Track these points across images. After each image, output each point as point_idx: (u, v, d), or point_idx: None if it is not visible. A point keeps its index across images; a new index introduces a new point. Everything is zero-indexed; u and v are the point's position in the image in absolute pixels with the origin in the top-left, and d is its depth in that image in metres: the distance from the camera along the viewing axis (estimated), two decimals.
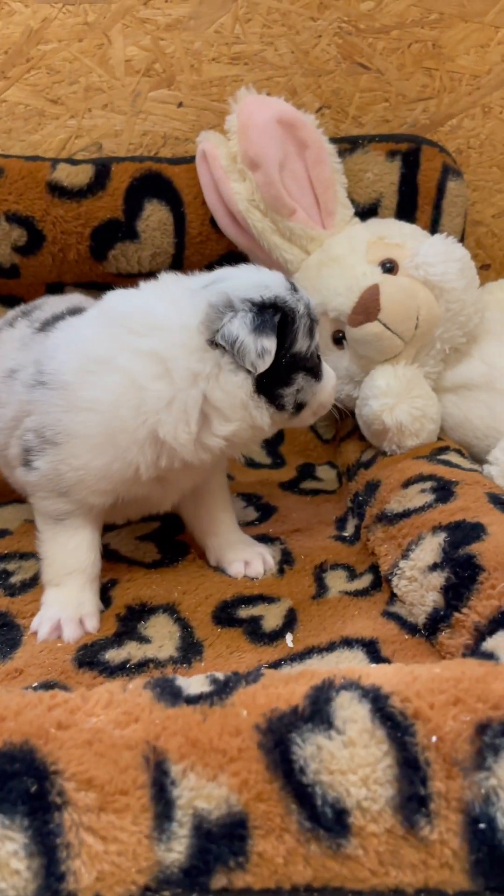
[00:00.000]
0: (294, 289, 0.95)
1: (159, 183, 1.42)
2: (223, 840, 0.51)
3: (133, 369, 0.90)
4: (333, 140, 1.40)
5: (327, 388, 1.02)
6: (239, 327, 0.87)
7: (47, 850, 0.50)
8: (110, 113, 1.49)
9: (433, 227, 1.45)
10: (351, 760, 0.52)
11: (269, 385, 0.92)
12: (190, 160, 1.43)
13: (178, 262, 1.46)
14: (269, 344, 0.88)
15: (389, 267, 1.29)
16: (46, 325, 1.07)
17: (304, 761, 0.53)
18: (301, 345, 0.94)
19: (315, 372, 0.98)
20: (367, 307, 1.22)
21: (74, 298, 1.23)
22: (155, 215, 1.41)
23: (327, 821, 0.50)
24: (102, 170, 1.40)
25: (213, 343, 0.89)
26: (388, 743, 0.53)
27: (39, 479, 0.94)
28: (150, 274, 1.44)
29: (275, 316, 0.90)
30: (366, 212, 1.44)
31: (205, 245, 1.46)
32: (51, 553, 0.97)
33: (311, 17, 1.44)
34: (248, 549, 1.07)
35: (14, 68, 1.45)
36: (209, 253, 1.47)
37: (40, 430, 0.93)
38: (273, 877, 0.50)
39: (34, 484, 0.96)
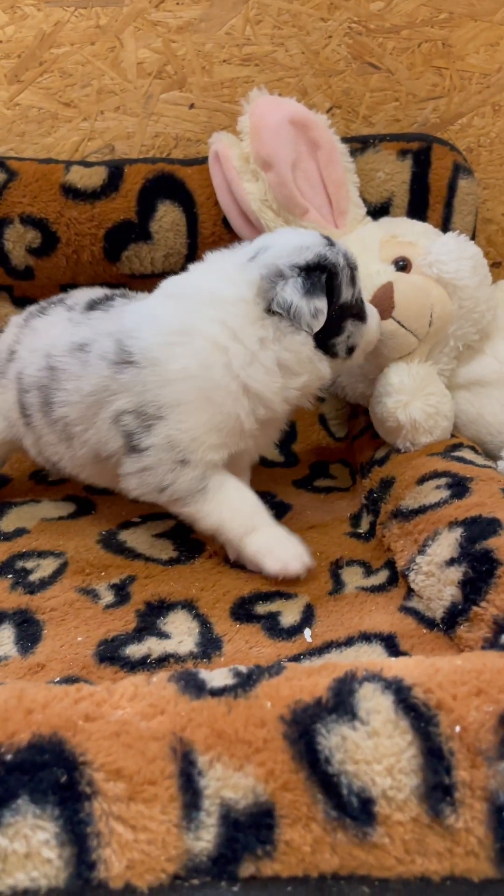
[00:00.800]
0: (331, 243, 1.03)
1: (172, 184, 1.43)
2: (251, 829, 0.51)
3: (214, 333, 0.99)
4: (345, 140, 1.40)
5: (373, 326, 1.11)
6: (291, 293, 0.97)
7: (78, 839, 0.51)
8: (122, 115, 1.50)
9: (444, 226, 1.46)
10: (375, 750, 0.53)
11: (325, 337, 1.02)
12: (202, 161, 1.44)
13: (192, 262, 1.46)
14: (321, 304, 0.99)
15: (402, 265, 1.30)
16: (93, 305, 1.15)
17: (329, 751, 0.54)
18: (346, 294, 1.03)
19: (361, 315, 1.08)
20: (382, 305, 1.22)
21: (97, 290, 1.26)
22: (168, 216, 1.42)
23: (353, 809, 0.51)
24: (115, 171, 1.41)
25: (271, 311, 0.99)
26: (411, 733, 0.54)
27: (155, 457, 1.01)
28: (163, 274, 1.46)
29: (322, 276, 0.99)
30: (377, 211, 1.45)
31: (217, 245, 1.45)
32: (222, 515, 1.03)
33: (321, 17, 1.45)
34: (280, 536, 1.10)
35: (27, 72, 1.46)
36: None
37: (140, 410, 1.00)
38: (300, 865, 0.50)
39: (152, 466, 1.02)
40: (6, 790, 0.52)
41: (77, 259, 1.45)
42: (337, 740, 0.54)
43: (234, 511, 1.03)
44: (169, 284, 1.11)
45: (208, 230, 1.45)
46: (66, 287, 1.52)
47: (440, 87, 1.51)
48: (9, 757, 0.54)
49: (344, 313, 1.05)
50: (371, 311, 1.11)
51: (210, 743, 0.55)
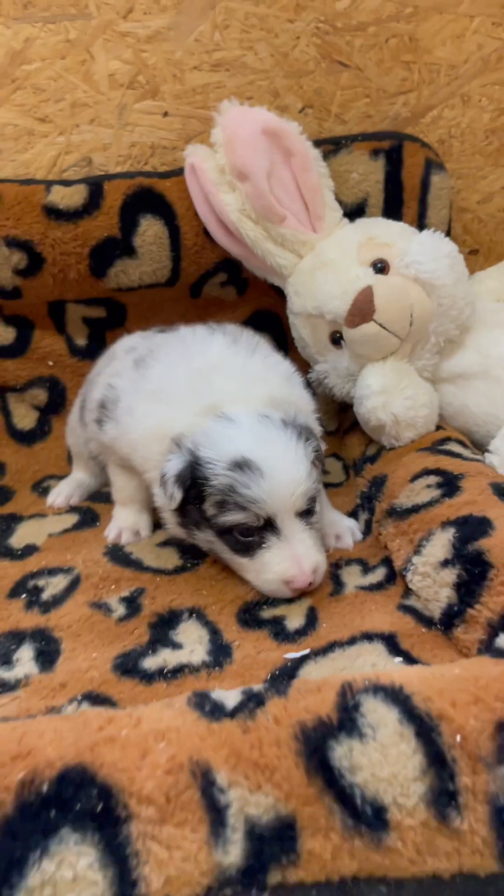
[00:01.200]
0: (237, 466, 0.98)
1: (152, 198, 1.45)
2: (275, 841, 0.56)
3: None
4: (317, 142, 1.43)
5: (255, 570, 1.03)
6: (169, 467, 1.03)
7: (119, 860, 0.55)
8: (98, 127, 1.51)
9: (420, 222, 1.49)
10: (385, 761, 0.58)
11: (187, 519, 1.06)
12: (179, 172, 1.47)
13: (176, 273, 1.50)
14: (173, 493, 1.02)
15: (381, 267, 1.33)
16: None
17: (341, 765, 0.58)
18: (208, 508, 1.01)
19: (233, 547, 1.03)
20: (363, 309, 1.26)
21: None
22: (150, 230, 1.45)
23: (368, 818, 0.56)
24: (95, 189, 1.43)
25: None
26: (416, 741, 0.59)
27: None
28: (151, 287, 1.50)
29: (186, 475, 1.01)
30: (354, 211, 1.48)
31: (200, 255, 1.49)
32: (117, 483, 1.28)
33: (288, 19, 1.47)
34: (339, 524, 1.20)
35: (0, 90, 1.47)
36: (205, 262, 1.51)
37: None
38: (323, 871, 0.55)
39: None
40: (47, 822, 0.57)
41: (64, 277, 1.48)
42: (348, 754, 0.59)
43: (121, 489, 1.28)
44: None
45: (191, 241, 1.47)
46: (53, 303, 1.55)
47: (409, 82, 1.53)
48: (44, 788, 0.58)
49: (205, 521, 1.03)
50: (270, 562, 1.02)
51: (231, 764, 0.60)
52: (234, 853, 0.56)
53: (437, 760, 0.58)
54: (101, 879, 0.55)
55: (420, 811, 0.56)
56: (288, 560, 1.00)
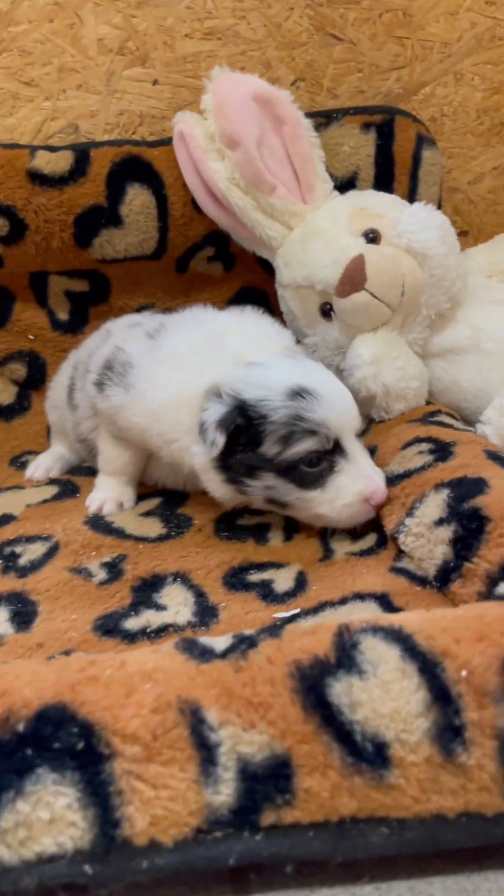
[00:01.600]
0: (297, 393, 0.98)
1: (139, 166, 1.42)
2: (269, 780, 0.53)
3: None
4: (308, 115, 1.40)
5: (329, 501, 1.01)
6: (209, 414, 1.00)
7: (101, 800, 0.51)
8: (85, 93, 1.48)
9: (411, 197, 1.47)
10: (386, 697, 0.55)
11: (234, 473, 1.03)
12: (168, 141, 1.44)
13: (163, 245, 1.46)
14: (220, 439, 0.99)
15: (372, 237, 1.31)
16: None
17: (339, 701, 0.55)
18: (269, 448, 0.99)
19: (302, 482, 1.00)
20: (354, 277, 1.24)
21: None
22: (138, 199, 1.42)
23: (368, 755, 0.53)
24: (82, 156, 1.40)
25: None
26: (419, 677, 0.55)
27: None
28: (137, 259, 1.46)
29: (235, 419, 0.99)
30: (344, 184, 1.45)
31: (188, 226, 1.46)
32: (107, 454, 1.23)
33: None
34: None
35: None
36: (192, 234, 1.48)
37: None
38: (320, 810, 0.52)
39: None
40: (22, 760, 0.53)
41: (47, 246, 1.44)
42: (347, 690, 0.55)
43: (108, 459, 1.23)
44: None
45: (178, 212, 1.44)
46: (35, 275, 1.51)
47: (402, 58, 1.52)
48: (20, 727, 0.54)
49: (265, 464, 1.00)
50: (340, 489, 1.01)
51: (222, 703, 0.56)
52: (225, 792, 0.52)
53: (442, 696, 0.54)
54: (80, 820, 0.51)
55: (424, 747, 0.53)
56: (363, 478, 1.00)
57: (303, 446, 0.98)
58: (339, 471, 1.00)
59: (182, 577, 0.99)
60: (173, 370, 1.09)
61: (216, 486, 1.07)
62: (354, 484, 0.99)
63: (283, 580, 0.96)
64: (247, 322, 1.16)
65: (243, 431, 1.00)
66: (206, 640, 0.65)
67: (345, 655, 0.58)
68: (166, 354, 1.11)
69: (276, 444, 0.98)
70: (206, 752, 0.54)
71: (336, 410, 0.99)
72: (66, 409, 1.38)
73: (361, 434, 1.25)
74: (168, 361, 1.10)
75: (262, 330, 1.14)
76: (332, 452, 1.00)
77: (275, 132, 1.35)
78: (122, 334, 1.25)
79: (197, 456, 1.05)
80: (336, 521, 1.02)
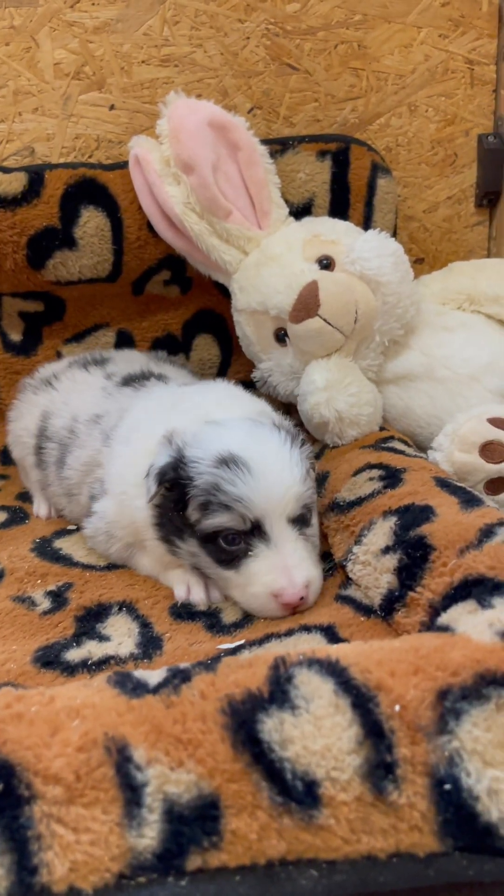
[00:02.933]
0: (223, 462, 0.90)
1: (94, 189, 1.41)
2: (196, 821, 0.51)
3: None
4: (264, 142, 1.41)
5: (241, 585, 0.92)
6: (156, 460, 0.94)
7: (18, 845, 0.49)
8: (41, 117, 1.48)
9: (366, 224, 1.48)
10: (318, 733, 0.53)
11: (167, 530, 0.96)
12: (124, 165, 1.43)
13: (118, 268, 1.45)
14: (149, 487, 0.93)
15: (326, 263, 1.31)
16: (128, 382, 1.22)
17: (271, 738, 0.54)
18: (191, 513, 0.92)
19: (217, 558, 0.93)
20: (307, 303, 1.24)
21: (137, 360, 1.34)
22: (92, 221, 1.41)
23: (298, 794, 0.51)
24: (36, 178, 1.39)
25: None
26: (352, 713, 0.54)
27: (93, 526, 1.12)
28: (91, 282, 1.45)
29: (169, 472, 0.93)
30: (300, 211, 1.46)
31: (143, 249, 1.46)
32: (145, 567, 1.07)
33: (238, 18, 1.46)
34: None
35: None
36: (148, 257, 1.47)
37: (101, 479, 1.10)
38: (248, 853, 0.50)
39: (91, 535, 1.13)
40: None
41: (0, 267, 1.42)
42: (278, 726, 0.54)
43: (155, 562, 1.04)
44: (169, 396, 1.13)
45: (133, 235, 1.44)
46: None
47: (357, 88, 1.53)
48: None
49: (188, 529, 0.94)
50: (255, 574, 0.91)
51: (151, 741, 0.55)
52: (149, 835, 0.51)
53: (374, 732, 0.53)
54: None
55: (355, 785, 0.52)
56: (277, 570, 0.89)
57: (216, 520, 0.89)
58: (254, 556, 0.90)
59: (128, 607, 0.97)
60: (127, 446, 1.05)
61: (153, 545, 1.00)
62: (265, 575, 0.89)
63: (230, 611, 0.95)
64: (217, 388, 1.13)
65: (176, 487, 0.93)
66: (139, 673, 0.63)
67: (278, 690, 0.57)
68: (122, 443, 1.07)
69: (196, 511, 0.91)
70: (130, 793, 0.52)
71: (261, 489, 0.89)
72: (33, 464, 1.30)
73: (315, 458, 1.25)
74: (123, 445, 1.07)
75: (234, 394, 1.11)
76: (251, 534, 0.90)
77: (230, 158, 1.35)
78: (85, 435, 1.18)
79: (138, 510, 0.99)
80: (248, 608, 0.93)
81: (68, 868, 0.49)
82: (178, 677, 0.61)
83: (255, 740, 0.53)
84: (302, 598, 0.89)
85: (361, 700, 0.55)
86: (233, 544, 0.91)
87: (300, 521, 0.93)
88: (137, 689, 0.60)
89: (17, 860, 0.49)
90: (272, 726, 0.54)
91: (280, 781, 0.52)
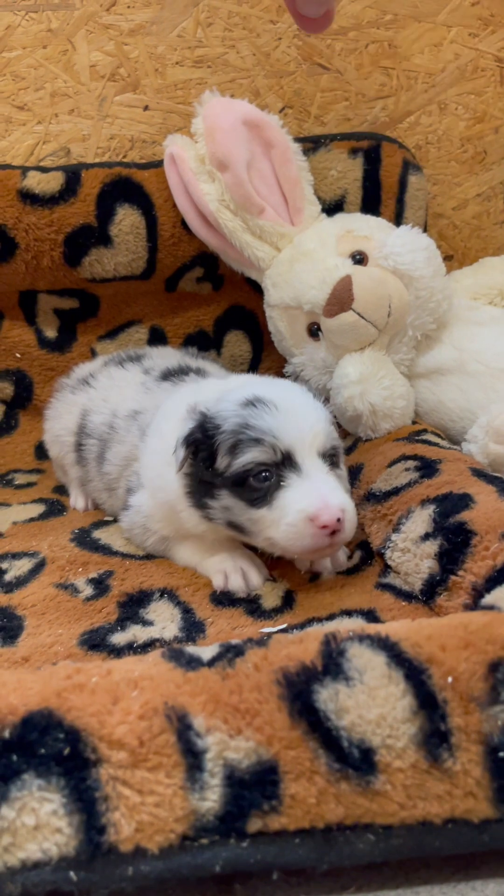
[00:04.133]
0: (248, 404, 0.93)
1: (130, 187, 1.44)
2: (256, 786, 0.53)
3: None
4: (296, 140, 1.43)
5: (276, 521, 0.90)
6: (181, 432, 0.96)
7: (86, 806, 0.51)
8: (77, 118, 1.50)
9: (397, 221, 1.50)
10: (372, 703, 0.55)
11: (198, 494, 0.97)
12: (158, 164, 1.46)
13: (152, 265, 1.48)
14: (180, 453, 0.96)
15: (359, 258, 1.33)
16: (167, 376, 1.23)
17: (326, 707, 0.55)
18: (220, 462, 0.93)
19: (249, 496, 0.92)
20: (341, 298, 1.25)
21: (173, 356, 1.36)
22: (127, 219, 1.43)
23: (355, 760, 0.53)
24: (73, 176, 1.42)
25: None
26: (405, 683, 0.56)
27: (129, 519, 1.14)
28: (125, 279, 1.48)
29: (195, 433, 0.95)
30: (332, 208, 1.48)
31: (177, 247, 1.48)
32: (184, 558, 1.08)
33: (270, 20, 1.48)
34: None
35: None
36: (182, 254, 1.49)
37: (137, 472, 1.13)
38: (307, 817, 0.52)
39: (128, 528, 1.15)
40: (8, 766, 0.53)
41: (37, 265, 1.45)
42: (333, 697, 0.56)
43: (193, 552, 1.06)
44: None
45: (168, 232, 1.46)
46: (25, 293, 1.52)
47: (388, 87, 1.55)
48: (6, 734, 0.54)
49: (219, 480, 0.94)
50: (287, 508, 0.88)
51: (209, 709, 0.56)
52: (211, 799, 0.52)
53: (428, 702, 0.55)
54: (65, 826, 0.51)
55: (410, 753, 0.53)
56: (311, 496, 0.87)
57: (248, 456, 0.89)
58: (286, 486, 0.89)
59: (169, 594, 0.99)
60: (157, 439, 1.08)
61: (188, 515, 1.00)
62: (299, 502, 0.87)
63: (270, 598, 0.96)
64: (246, 376, 1.15)
65: (205, 447, 0.94)
66: (192, 649, 0.65)
67: (331, 663, 0.58)
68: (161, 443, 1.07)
69: (226, 456, 0.92)
70: (192, 759, 0.53)
71: (290, 422, 0.90)
72: (73, 462, 1.32)
73: (347, 452, 1.27)
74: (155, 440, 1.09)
75: (260, 378, 1.10)
76: (282, 466, 0.90)
77: (264, 156, 1.37)
78: (123, 430, 1.20)
79: (171, 488, 1.00)
80: (284, 547, 0.91)
81: (134, 828, 0.51)
82: (232, 652, 0.62)
83: (312, 709, 0.55)
84: (339, 521, 0.86)
85: (414, 672, 0.56)
86: (265, 481, 0.90)
87: (330, 459, 0.93)
88: (192, 662, 0.62)
89: (86, 820, 0.51)
90: (327, 696, 0.56)
91: (337, 749, 0.53)
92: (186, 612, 0.95)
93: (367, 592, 0.94)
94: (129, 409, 1.21)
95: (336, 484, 0.91)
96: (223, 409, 0.94)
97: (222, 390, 1.01)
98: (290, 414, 0.91)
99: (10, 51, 1.45)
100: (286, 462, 0.90)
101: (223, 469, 0.93)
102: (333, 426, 0.97)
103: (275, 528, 0.90)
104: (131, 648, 0.86)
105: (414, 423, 1.31)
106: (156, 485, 1.06)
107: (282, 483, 0.90)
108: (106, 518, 1.26)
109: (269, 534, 0.92)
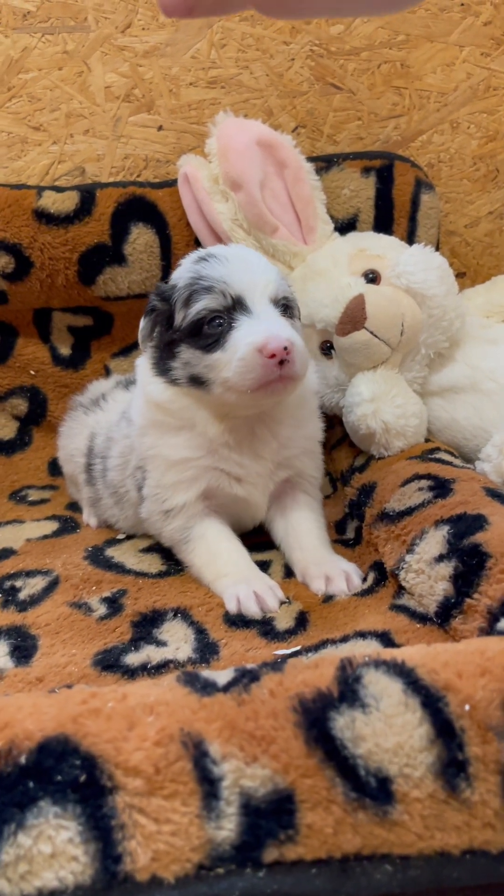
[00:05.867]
0: (200, 259, 1.01)
1: (144, 206, 1.45)
2: (272, 815, 0.52)
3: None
4: (309, 159, 1.44)
5: (229, 361, 0.95)
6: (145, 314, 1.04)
7: (102, 834, 0.51)
8: (92, 138, 1.52)
9: (410, 239, 1.50)
10: (389, 731, 0.54)
11: (161, 360, 1.04)
12: (172, 183, 1.47)
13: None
14: (143, 324, 1.04)
15: (372, 277, 1.33)
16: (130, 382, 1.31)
17: (342, 735, 0.55)
18: (177, 318, 0.99)
19: (204, 343, 0.97)
20: (354, 316, 1.26)
21: None
22: (141, 238, 1.44)
23: (372, 790, 0.52)
24: (87, 196, 1.43)
25: None
26: (422, 711, 0.55)
27: (147, 509, 1.12)
28: (138, 296, 1.49)
29: (154, 299, 1.03)
30: (345, 226, 1.49)
31: None
32: (198, 564, 1.07)
33: (283, 41, 1.50)
34: (331, 564, 1.04)
35: None
36: None
37: (139, 464, 1.12)
38: (324, 847, 0.51)
39: (146, 517, 1.13)
40: (24, 793, 0.52)
41: (51, 283, 1.46)
42: (350, 725, 0.55)
43: (208, 561, 1.06)
44: None
45: (181, 251, 1.47)
46: (39, 311, 1.53)
47: (400, 106, 1.56)
48: (22, 759, 0.54)
49: (176, 337, 1.00)
50: (233, 346, 0.94)
51: (225, 736, 0.56)
52: (228, 828, 0.52)
53: (445, 731, 0.54)
54: (81, 854, 0.51)
55: (427, 782, 0.53)
56: (260, 330, 0.92)
57: (200, 304, 0.96)
58: (237, 327, 0.95)
59: (182, 613, 0.99)
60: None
61: (154, 388, 1.04)
62: (248, 336, 0.92)
63: (283, 619, 0.96)
64: None
65: (164, 313, 1.01)
66: (207, 673, 0.65)
67: (347, 689, 0.58)
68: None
69: (182, 309, 0.98)
70: (208, 786, 0.53)
71: (240, 269, 0.96)
72: (84, 482, 1.33)
73: (360, 471, 1.27)
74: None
75: None
76: (234, 311, 0.95)
77: (277, 175, 1.38)
78: (116, 433, 1.24)
79: (140, 368, 1.08)
80: (237, 384, 0.93)
81: (151, 857, 0.50)
82: (247, 677, 0.62)
83: (328, 737, 0.55)
84: (286, 350, 0.90)
85: (431, 700, 0.56)
86: (217, 326, 0.96)
87: (283, 307, 0.99)
88: (207, 687, 0.61)
89: (102, 848, 0.50)
90: (344, 724, 0.55)
91: (354, 777, 0.53)
92: (200, 632, 0.95)
93: (381, 614, 0.94)
94: (119, 411, 1.24)
95: (285, 323, 0.96)
96: (178, 271, 1.02)
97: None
98: (241, 263, 0.98)
99: (27, 72, 1.47)
100: (237, 306, 0.96)
101: (180, 323, 0.99)
102: (285, 282, 1.02)
103: (228, 367, 0.95)
104: (145, 669, 0.86)
105: (427, 441, 1.31)
106: (140, 410, 1.09)
107: (233, 325, 0.96)
108: (118, 536, 1.27)
109: (224, 375, 0.96)
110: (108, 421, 1.29)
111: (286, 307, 1.00)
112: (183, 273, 1.01)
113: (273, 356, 0.91)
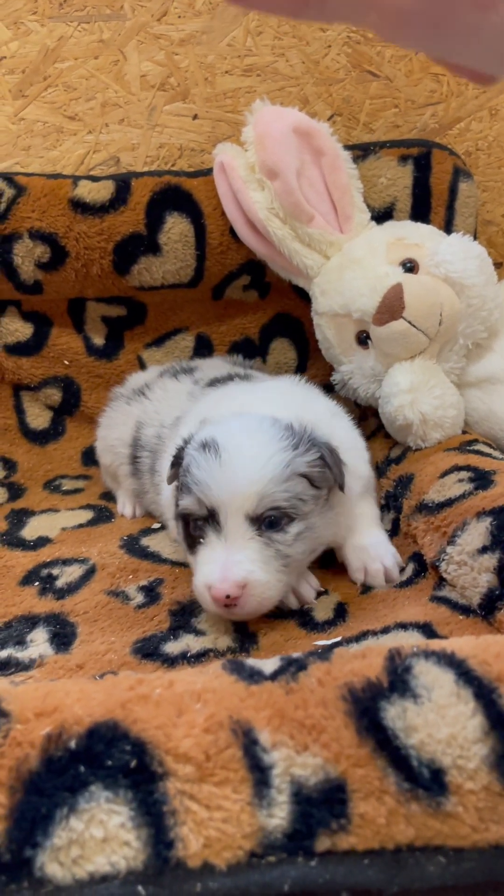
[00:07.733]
0: (203, 446, 0.90)
1: (179, 196, 1.44)
2: (324, 804, 0.52)
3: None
4: (346, 147, 1.42)
5: (197, 576, 0.88)
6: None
7: (154, 819, 0.51)
8: (127, 127, 1.52)
9: (447, 228, 1.48)
10: (441, 721, 0.54)
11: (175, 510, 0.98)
12: (207, 172, 1.46)
13: (200, 273, 1.48)
14: (169, 469, 0.99)
15: (410, 266, 1.32)
16: (213, 383, 1.24)
17: (394, 725, 0.54)
18: (177, 494, 0.95)
19: (189, 539, 0.93)
20: (392, 306, 1.24)
21: (223, 366, 1.37)
22: (176, 227, 1.44)
23: (425, 780, 0.52)
24: (123, 185, 1.43)
25: None
26: (475, 703, 0.54)
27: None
28: (172, 287, 1.48)
29: (178, 454, 0.97)
30: (381, 215, 1.47)
31: (225, 255, 1.48)
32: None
33: (320, 28, 1.48)
34: (369, 552, 1.02)
35: (32, 86, 1.48)
36: (229, 262, 1.49)
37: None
38: (376, 837, 0.51)
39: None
40: (76, 777, 0.53)
41: (86, 273, 1.46)
42: (401, 715, 0.55)
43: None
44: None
45: (216, 240, 1.46)
46: (74, 301, 1.54)
47: (438, 93, 1.54)
48: (73, 744, 0.54)
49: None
50: (202, 565, 0.89)
51: (274, 725, 0.56)
52: (279, 816, 0.52)
53: (499, 722, 0.53)
54: (134, 839, 0.50)
55: (482, 774, 0.52)
56: (216, 562, 0.84)
57: (184, 501, 0.89)
58: (204, 544, 0.88)
59: None
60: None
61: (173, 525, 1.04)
62: (205, 565, 0.86)
63: (322, 609, 0.96)
64: (276, 385, 1.17)
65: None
66: (253, 661, 0.64)
67: (398, 679, 0.57)
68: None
69: (179, 491, 0.93)
70: (259, 774, 0.53)
71: (221, 477, 0.86)
72: (127, 473, 1.32)
73: (397, 462, 1.25)
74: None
75: (287, 390, 1.13)
76: (208, 521, 0.87)
77: (314, 164, 1.37)
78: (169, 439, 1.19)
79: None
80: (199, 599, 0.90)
81: (202, 844, 0.50)
82: (294, 665, 0.62)
83: (379, 727, 0.54)
84: (230, 597, 0.83)
85: (484, 691, 0.55)
86: (195, 530, 0.89)
87: (266, 523, 0.87)
88: (254, 675, 0.61)
89: (154, 834, 0.50)
90: (395, 714, 0.55)
91: (406, 768, 0.52)
92: (238, 622, 0.94)
93: (421, 605, 0.93)
94: (174, 416, 1.21)
95: (254, 555, 0.85)
96: (191, 444, 0.94)
97: (230, 412, 1.00)
98: (229, 467, 0.86)
99: (63, 61, 1.47)
100: (211, 518, 0.87)
101: (177, 501, 0.94)
102: (294, 479, 0.89)
103: (194, 578, 0.90)
104: (185, 658, 0.86)
105: (464, 432, 1.29)
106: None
107: (201, 539, 0.88)
108: (154, 525, 1.27)
109: (194, 579, 0.90)
110: (158, 412, 1.28)
111: (272, 521, 0.87)
112: (190, 450, 0.92)
113: (213, 597, 0.85)
